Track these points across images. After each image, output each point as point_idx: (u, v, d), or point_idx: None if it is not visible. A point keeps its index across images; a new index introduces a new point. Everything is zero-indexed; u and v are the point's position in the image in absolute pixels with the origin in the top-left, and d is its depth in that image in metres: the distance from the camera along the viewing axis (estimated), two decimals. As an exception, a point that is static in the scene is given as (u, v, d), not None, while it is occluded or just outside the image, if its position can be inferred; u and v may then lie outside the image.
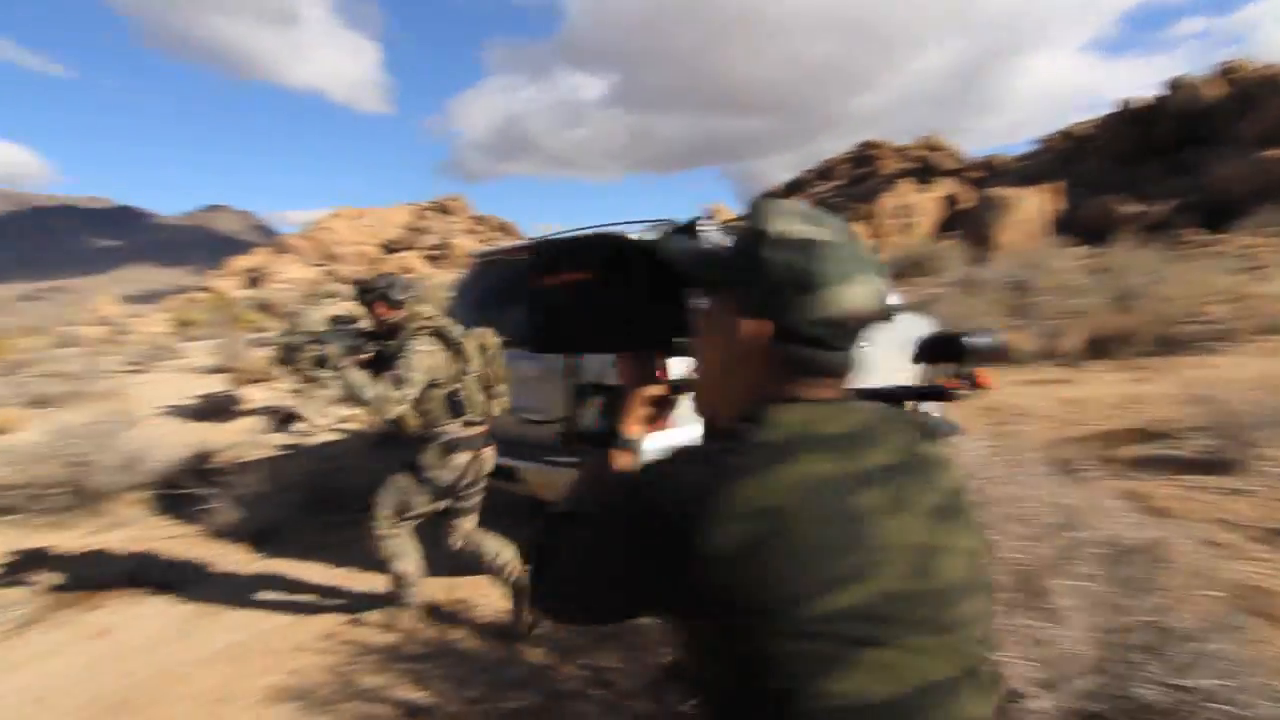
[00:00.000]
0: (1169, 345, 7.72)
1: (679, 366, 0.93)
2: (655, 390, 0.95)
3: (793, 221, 0.77)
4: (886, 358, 4.95)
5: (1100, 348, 7.97)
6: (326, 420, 7.26)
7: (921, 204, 27.97)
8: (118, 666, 2.96)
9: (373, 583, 3.43)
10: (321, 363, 2.80)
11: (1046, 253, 12.91)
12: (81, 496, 4.81)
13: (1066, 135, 31.61)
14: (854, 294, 0.75)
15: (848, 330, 0.77)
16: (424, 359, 2.84)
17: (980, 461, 2.14)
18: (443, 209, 77.27)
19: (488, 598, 3.37)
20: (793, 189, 43.45)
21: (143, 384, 10.33)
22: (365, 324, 3.03)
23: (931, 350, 1.15)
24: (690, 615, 0.70)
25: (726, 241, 0.83)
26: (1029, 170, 29.48)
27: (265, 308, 20.86)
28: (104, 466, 4.86)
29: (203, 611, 3.41)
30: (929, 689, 0.67)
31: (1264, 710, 1.58)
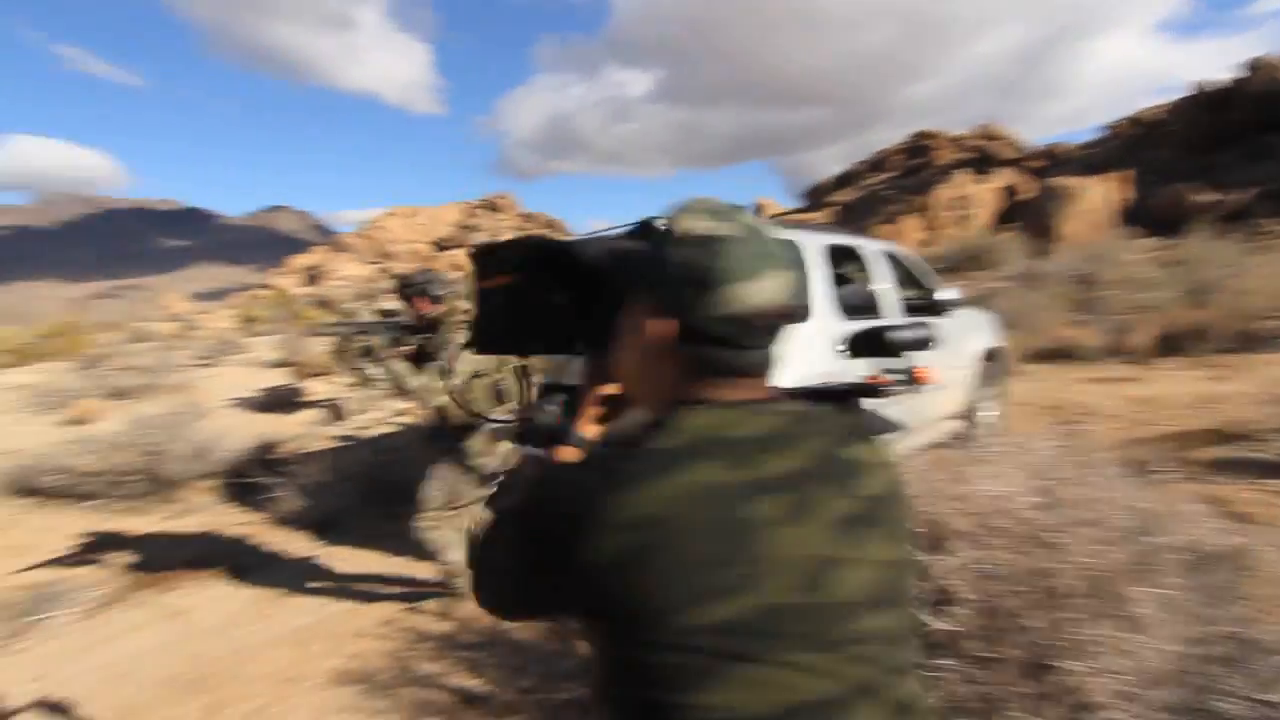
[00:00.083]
0: (1247, 341, 7.30)
1: None
2: (609, 389, 0.93)
3: (698, 219, 0.75)
4: (943, 353, 4.81)
5: (1172, 344, 7.60)
6: (381, 412, 7.46)
7: (979, 195, 27.09)
8: (192, 646, 3.10)
9: (428, 572, 3.51)
10: (368, 354, 2.91)
11: (1113, 245, 12.35)
12: (156, 484, 5.06)
13: (1135, 121, 30.17)
14: (759, 290, 0.72)
15: (755, 328, 0.74)
16: (467, 350, 2.94)
17: (1049, 462, 2.06)
18: (492, 207, 78.45)
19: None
20: (844, 181, 42.63)
21: (211, 377, 10.80)
22: (407, 318, 3.11)
23: (861, 345, 1.11)
24: (583, 619, 0.71)
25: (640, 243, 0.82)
26: (1095, 158, 28.25)
27: (324, 304, 21.55)
28: (176, 455, 5.10)
29: (269, 595, 3.55)
30: (806, 708, 0.64)
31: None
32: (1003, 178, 29.26)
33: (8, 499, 5.24)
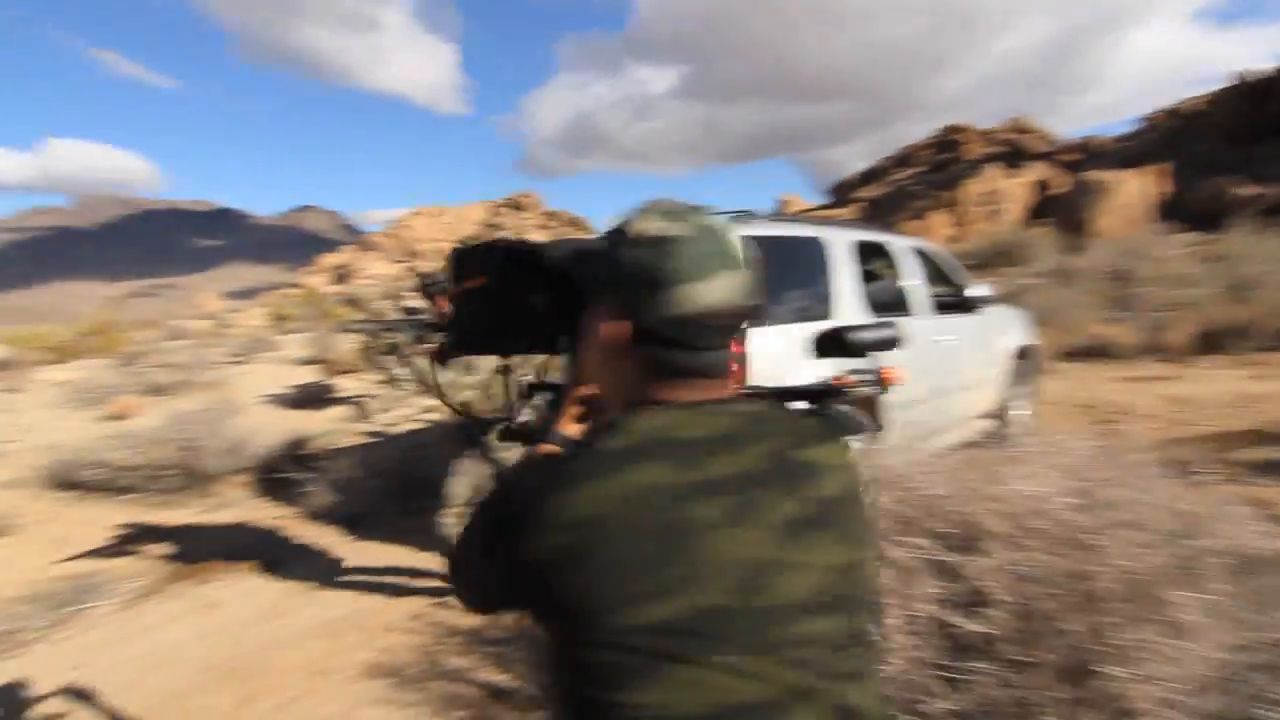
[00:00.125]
0: (1293, 339, 7.08)
1: None
2: (589, 389, 0.93)
3: (652, 220, 0.75)
4: (976, 350, 4.72)
5: (1211, 342, 7.39)
6: (408, 409, 7.55)
7: (1010, 190, 26.61)
8: (227, 637, 3.17)
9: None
10: (393, 351, 2.96)
11: (1150, 240, 12.04)
12: (192, 478, 5.18)
13: (1173, 113, 29.35)
14: (710, 291, 0.72)
15: (708, 328, 0.74)
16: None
17: (1086, 462, 2.01)
18: (516, 206, 78.94)
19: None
20: (869, 177, 42.12)
21: (244, 374, 11.02)
22: (430, 316, 3.14)
23: (823, 346, 1.10)
24: (530, 616, 0.72)
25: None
26: (1130, 151, 27.56)
27: (352, 302, 21.88)
28: (211, 451, 5.21)
29: (301, 588, 3.62)
30: (738, 709, 0.64)
31: None
32: (1034, 172, 28.69)
33: (50, 492, 5.40)
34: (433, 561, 3.77)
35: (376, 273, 52.07)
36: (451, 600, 3.29)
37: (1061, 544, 1.78)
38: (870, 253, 4.25)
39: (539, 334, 0.97)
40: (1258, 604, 1.75)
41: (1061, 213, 20.60)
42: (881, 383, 1.00)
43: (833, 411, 0.88)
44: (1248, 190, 18.41)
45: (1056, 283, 10.52)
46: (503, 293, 0.92)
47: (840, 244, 3.92)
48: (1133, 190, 19.82)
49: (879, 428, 0.91)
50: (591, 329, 0.80)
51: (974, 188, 26.74)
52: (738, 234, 0.78)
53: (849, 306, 3.80)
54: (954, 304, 4.83)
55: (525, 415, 1.03)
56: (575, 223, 78.49)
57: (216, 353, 13.26)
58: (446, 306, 3.08)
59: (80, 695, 2.71)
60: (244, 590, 3.67)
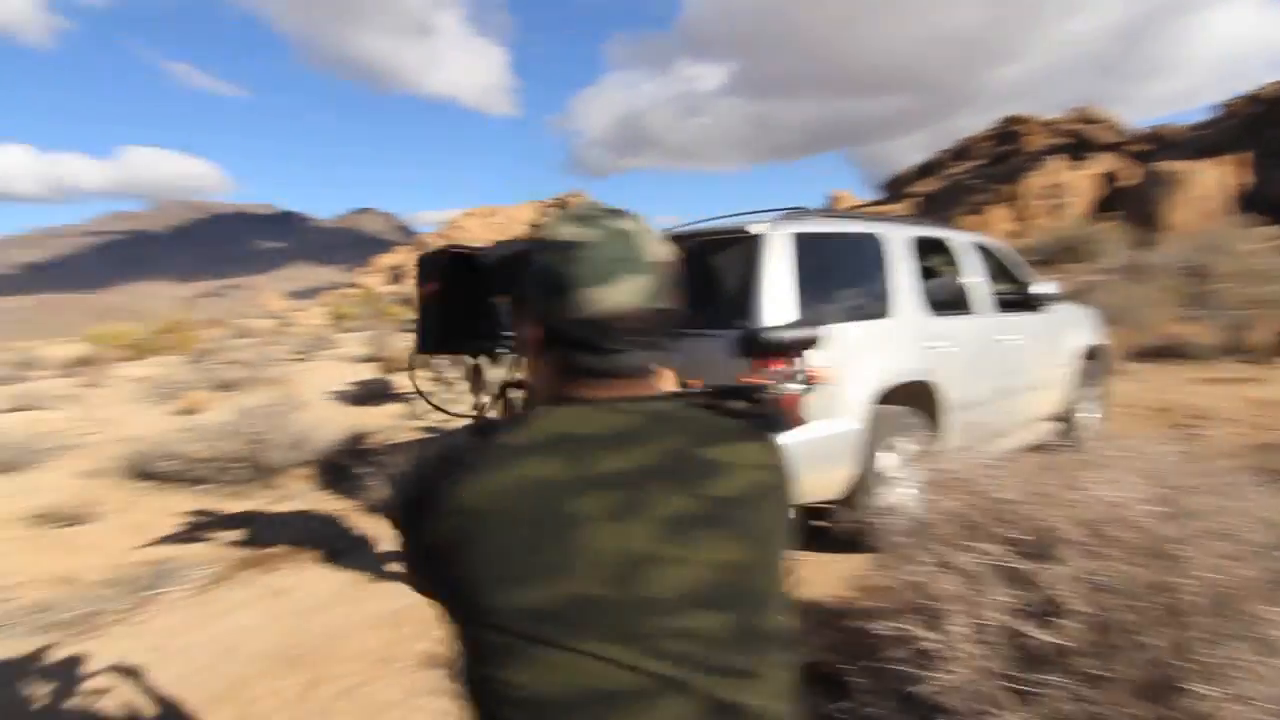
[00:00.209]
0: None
1: None
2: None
3: (566, 225, 0.78)
4: (1041, 350, 4.54)
5: (1300, 341, 6.94)
6: (462, 405, 7.69)
7: (1074, 182, 25.56)
8: (292, 624, 3.28)
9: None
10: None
11: (1229, 234, 11.37)
12: (258, 470, 5.39)
13: (1253, 99, 27.68)
14: (612, 294, 0.75)
15: (612, 331, 0.76)
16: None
17: (1169, 468, 1.91)
18: (563, 206, 79.72)
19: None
20: (925, 171, 41.01)
21: (306, 371, 11.41)
22: None
23: (745, 345, 1.07)
24: (431, 597, 0.76)
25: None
26: (1206, 140, 26.12)
27: (408, 302, 22.42)
28: (276, 444, 5.41)
29: (362, 578, 3.72)
30: (601, 695, 0.66)
31: None
32: (1102, 163, 27.48)
33: (129, 482, 5.69)
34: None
35: (430, 272, 53.25)
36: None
37: (1143, 554, 1.69)
38: (929, 249, 4.13)
39: (494, 334, 0.99)
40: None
41: (1131, 206, 19.67)
42: (809, 382, 0.99)
43: (761, 410, 0.88)
44: (1339, 179, 17.26)
45: (1127, 279, 10.04)
46: (455, 295, 0.95)
47: (898, 240, 3.82)
48: (1209, 181, 18.79)
49: (789, 426, 0.88)
50: (520, 329, 0.84)
51: (1036, 181, 25.77)
52: (652, 238, 0.80)
53: (907, 304, 3.70)
54: (1018, 302, 4.66)
55: (494, 412, 1.05)
56: (623, 222, 78.82)
57: (280, 350, 13.77)
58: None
59: (156, 677, 2.84)
60: (308, 579, 3.80)
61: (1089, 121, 36.08)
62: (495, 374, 3.19)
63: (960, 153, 40.54)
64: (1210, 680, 1.48)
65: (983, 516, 1.83)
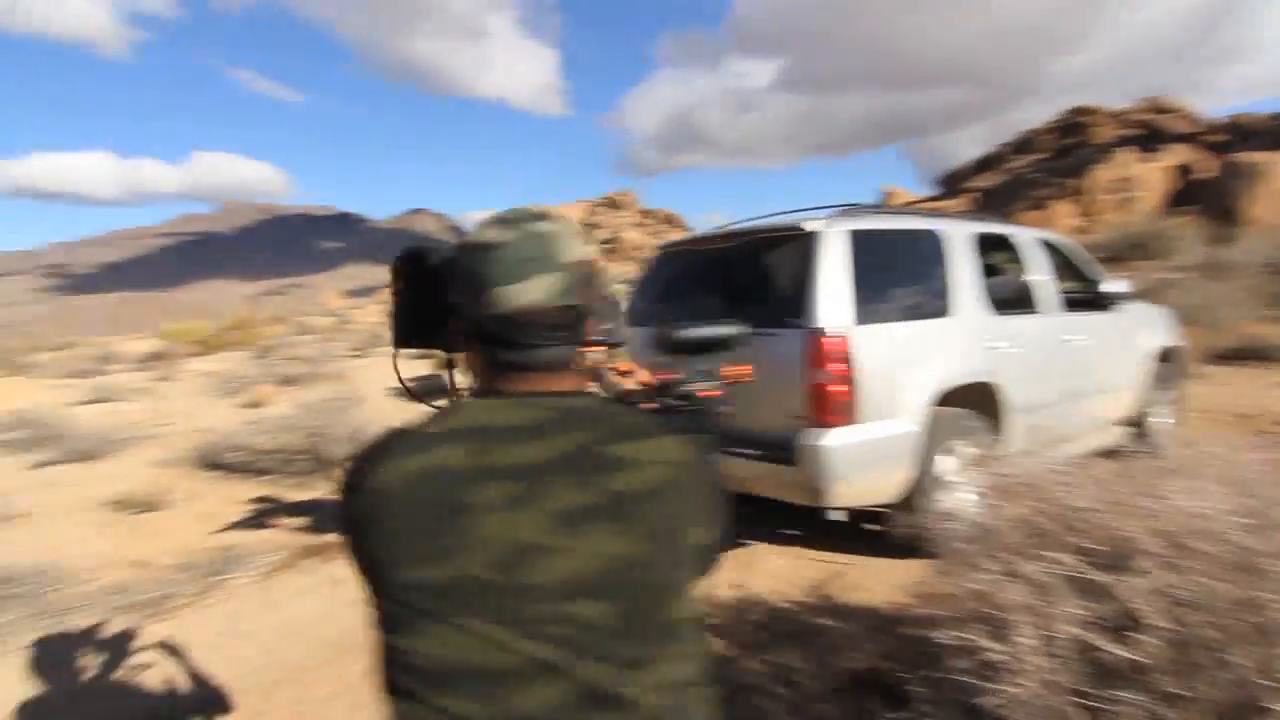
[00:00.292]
0: None
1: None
2: None
3: (489, 227, 0.83)
4: (1111, 351, 4.34)
5: (1400, 343, 6.46)
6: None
7: (1145, 175, 24.38)
8: (350, 613, 3.37)
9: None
10: None
11: (1318, 228, 10.68)
12: (319, 462, 5.57)
13: (1348, 84, 25.87)
14: (524, 292, 0.79)
15: (523, 327, 0.80)
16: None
17: (1257, 477, 1.79)
18: (613, 204, 79.99)
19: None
20: (984, 165, 39.69)
21: (363, 368, 11.76)
22: None
23: (658, 345, 1.04)
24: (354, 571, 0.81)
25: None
26: (1292, 130, 24.58)
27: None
28: (336, 438, 5.59)
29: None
30: (478, 671, 0.71)
31: None
32: (1174, 155, 26.14)
33: (199, 471, 5.96)
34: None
35: (481, 271, 54.19)
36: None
37: (1228, 568, 1.59)
38: (992, 246, 3.99)
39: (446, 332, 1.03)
40: None
41: (1209, 199, 18.67)
42: (726, 381, 0.96)
43: (692, 409, 0.90)
44: None
45: (1203, 277, 9.53)
46: (416, 293, 1.00)
47: (959, 237, 3.70)
48: (1296, 173, 17.69)
49: (718, 427, 0.92)
50: (450, 326, 0.90)
51: (1104, 174, 24.68)
52: (569, 240, 0.83)
53: (968, 303, 3.59)
54: (1086, 301, 4.46)
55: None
56: (671, 219, 78.65)
57: (339, 347, 14.21)
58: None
59: (223, 659, 2.96)
60: (365, 570, 3.90)
61: (1161, 111, 34.33)
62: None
63: (1021, 146, 39.09)
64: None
65: (1053, 524, 1.75)
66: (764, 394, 3.23)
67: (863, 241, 3.24)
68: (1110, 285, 4.52)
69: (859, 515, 3.41)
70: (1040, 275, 4.12)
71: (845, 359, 2.98)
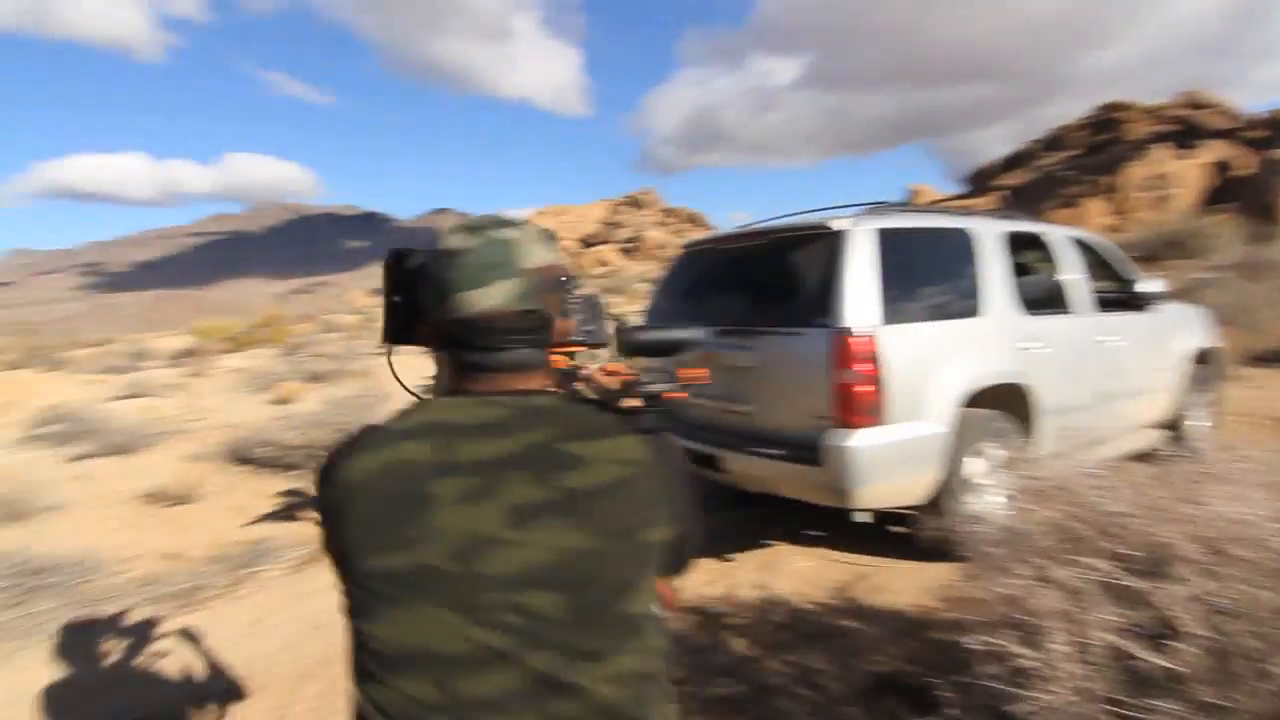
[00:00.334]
0: None
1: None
2: None
3: (454, 235, 0.86)
4: (1146, 352, 4.24)
5: None
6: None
7: (1180, 172, 23.81)
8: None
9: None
10: None
11: (1364, 226, 10.33)
12: (345, 459, 5.64)
13: (1396, 77, 25.02)
14: (483, 298, 0.83)
15: (483, 331, 0.84)
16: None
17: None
18: (635, 203, 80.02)
19: (688, 580, 3.43)
20: (1013, 163, 39.04)
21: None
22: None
23: (618, 347, 1.04)
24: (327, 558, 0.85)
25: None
26: (1336, 125, 23.81)
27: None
28: (362, 434, 5.66)
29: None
30: (434, 655, 0.75)
31: None
32: (1211, 151, 25.48)
33: (230, 466, 6.07)
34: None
35: (504, 270, 54.48)
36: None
37: (1270, 575, 1.54)
38: (1023, 244, 3.92)
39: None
40: None
41: (1247, 197, 18.19)
42: (679, 381, 1.00)
43: (652, 408, 0.93)
44: None
45: (1241, 277, 9.27)
46: (400, 292, 1.03)
47: (989, 235, 3.64)
48: (1341, 169, 17.16)
49: (670, 427, 0.91)
50: (421, 328, 0.93)
51: (1138, 171, 24.15)
52: (530, 247, 0.86)
53: (998, 303, 3.53)
54: (1121, 301, 4.36)
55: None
56: (693, 218, 78.45)
57: (365, 344, 14.39)
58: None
59: (252, 650, 3.01)
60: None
61: (1198, 106, 33.47)
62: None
63: (1052, 142, 38.38)
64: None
65: (1087, 529, 1.71)
66: (789, 394, 3.21)
67: (890, 240, 3.20)
68: (1145, 285, 4.41)
69: (884, 517, 3.37)
70: (1073, 275, 4.03)
71: (872, 359, 2.94)
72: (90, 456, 6.39)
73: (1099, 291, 4.19)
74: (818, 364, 3.02)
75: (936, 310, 3.32)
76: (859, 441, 2.93)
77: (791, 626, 2.88)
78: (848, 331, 2.96)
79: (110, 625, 3.19)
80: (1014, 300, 3.58)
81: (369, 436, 0.84)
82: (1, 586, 3.43)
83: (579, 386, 0.98)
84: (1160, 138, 29.25)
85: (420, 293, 0.89)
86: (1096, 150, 32.60)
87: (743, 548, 3.79)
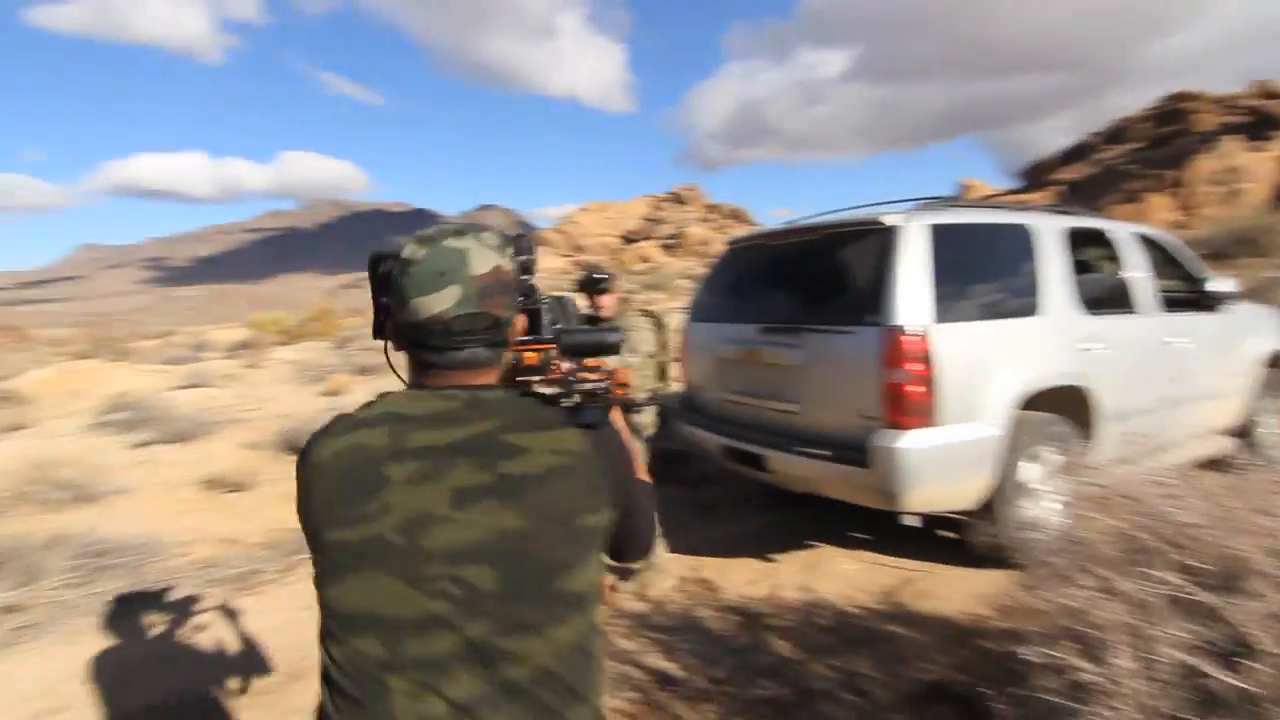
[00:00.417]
0: None
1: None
2: None
3: (412, 244, 0.93)
4: (1216, 355, 4.05)
5: None
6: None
7: (1252, 166, 22.63)
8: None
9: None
10: None
11: None
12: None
13: None
14: (433, 303, 0.90)
15: (434, 332, 0.91)
16: (647, 334, 3.42)
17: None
18: (678, 199, 79.79)
19: (730, 580, 3.40)
20: (1071, 156, 37.65)
21: (433, 358, 12.11)
22: (590, 310, 3.48)
23: (558, 345, 1.09)
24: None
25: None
26: None
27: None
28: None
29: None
30: (384, 619, 0.84)
31: None
32: (1288, 144, 24.15)
33: (283, 454, 6.26)
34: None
35: (547, 266, 55.10)
36: (619, 583, 3.38)
37: (1357, 595, 1.45)
38: (1085, 241, 3.77)
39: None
40: None
41: (1327, 192, 17.19)
42: (615, 382, 1.04)
43: (597, 403, 0.98)
44: None
45: (1320, 276, 8.76)
46: (374, 293, 1.07)
47: (1049, 232, 3.51)
48: None
49: (606, 422, 0.97)
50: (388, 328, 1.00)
51: (1206, 164, 23.04)
52: (478, 255, 0.92)
53: (1058, 302, 3.40)
54: (1189, 301, 4.17)
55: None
56: (737, 214, 77.83)
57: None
58: (605, 302, 3.38)
59: (302, 635, 3.09)
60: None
61: (1271, 96, 31.71)
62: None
63: (1114, 135, 36.88)
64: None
65: (1155, 539, 1.63)
66: (836, 393, 3.15)
67: (944, 236, 3.11)
68: (1215, 284, 4.20)
69: (934, 521, 3.28)
70: (1138, 273, 3.87)
71: (924, 358, 2.87)
72: (153, 443, 6.66)
73: (1166, 291, 4.01)
74: (868, 363, 2.95)
75: (992, 309, 3.21)
76: (909, 443, 2.86)
77: (836, 630, 2.83)
78: (899, 330, 2.88)
79: (169, 605, 3.32)
80: (1075, 299, 3.45)
81: (338, 424, 0.94)
82: (71, 566, 3.60)
83: (536, 382, 1.02)
84: (1231, 129, 27.81)
85: (389, 296, 0.96)
86: (1162, 143, 31.19)
87: (786, 548, 3.75)
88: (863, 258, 3.19)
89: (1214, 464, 3.48)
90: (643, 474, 1.06)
